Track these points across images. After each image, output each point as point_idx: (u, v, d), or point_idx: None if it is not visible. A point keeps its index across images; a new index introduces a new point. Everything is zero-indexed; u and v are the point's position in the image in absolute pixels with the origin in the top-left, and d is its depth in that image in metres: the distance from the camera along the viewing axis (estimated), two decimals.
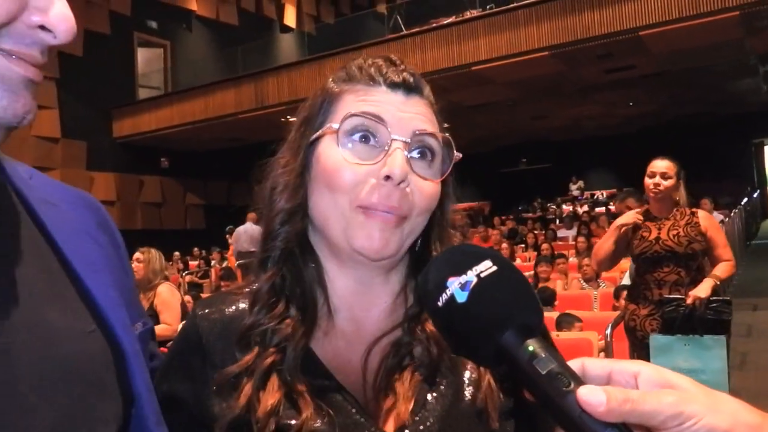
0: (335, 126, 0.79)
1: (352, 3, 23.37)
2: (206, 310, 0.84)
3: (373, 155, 0.78)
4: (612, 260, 3.94)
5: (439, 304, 0.57)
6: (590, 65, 11.65)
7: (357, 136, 0.79)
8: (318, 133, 0.82)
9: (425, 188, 0.80)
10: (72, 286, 0.64)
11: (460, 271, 0.57)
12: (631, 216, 3.87)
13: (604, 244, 3.90)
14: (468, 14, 12.50)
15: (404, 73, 0.83)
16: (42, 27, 0.55)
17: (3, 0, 0.51)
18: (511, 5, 11.48)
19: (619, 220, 3.93)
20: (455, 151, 0.84)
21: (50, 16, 0.55)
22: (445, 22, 12.36)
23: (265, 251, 0.84)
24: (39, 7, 0.55)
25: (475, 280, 0.56)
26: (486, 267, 0.57)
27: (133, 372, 0.66)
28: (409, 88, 0.82)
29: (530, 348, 0.52)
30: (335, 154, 0.79)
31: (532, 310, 0.57)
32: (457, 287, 0.56)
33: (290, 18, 21.35)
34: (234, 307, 0.83)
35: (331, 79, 0.86)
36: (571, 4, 10.41)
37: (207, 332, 0.81)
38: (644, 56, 11.22)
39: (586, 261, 6.75)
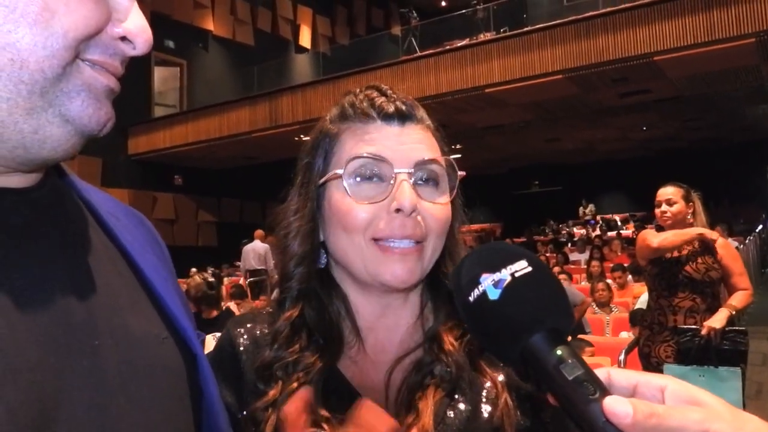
0: (339, 172, 0.82)
1: (367, 24, 23.60)
2: (238, 329, 0.90)
3: (380, 191, 0.81)
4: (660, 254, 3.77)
5: (471, 299, 0.57)
6: (605, 89, 11.65)
7: (362, 177, 0.82)
8: (324, 179, 0.85)
9: (436, 212, 0.82)
10: (144, 293, 0.66)
11: (495, 268, 0.56)
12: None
13: (676, 240, 3.66)
14: (482, 37, 12.55)
15: (396, 102, 0.84)
16: (122, 38, 0.57)
17: (93, 12, 0.53)
18: (525, 28, 11.54)
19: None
20: (458, 171, 0.85)
21: (131, 27, 0.57)
22: (460, 44, 12.41)
23: (283, 292, 0.89)
24: (120, 19, 0.57)
25: (509, 278, 0.56)
26: (521, 267, 0.57)
27: (205, 377, 0.68)
28: (403, 117, 0.84)
29: (558, 352, 0.52)
30: (344, 197, 0.82)
31: (563, 315, 0.56)
32: (490, 284, 0.56)
33: (305, 39, 21.58)
34: (262, 325, 0.90)
35: (327, 119, 0.89)
36: (585, 28, 10.43)
37: (239, 343, 0.89)
38: (659, 81, 11.20)
39: (600, 285, 6.68)
